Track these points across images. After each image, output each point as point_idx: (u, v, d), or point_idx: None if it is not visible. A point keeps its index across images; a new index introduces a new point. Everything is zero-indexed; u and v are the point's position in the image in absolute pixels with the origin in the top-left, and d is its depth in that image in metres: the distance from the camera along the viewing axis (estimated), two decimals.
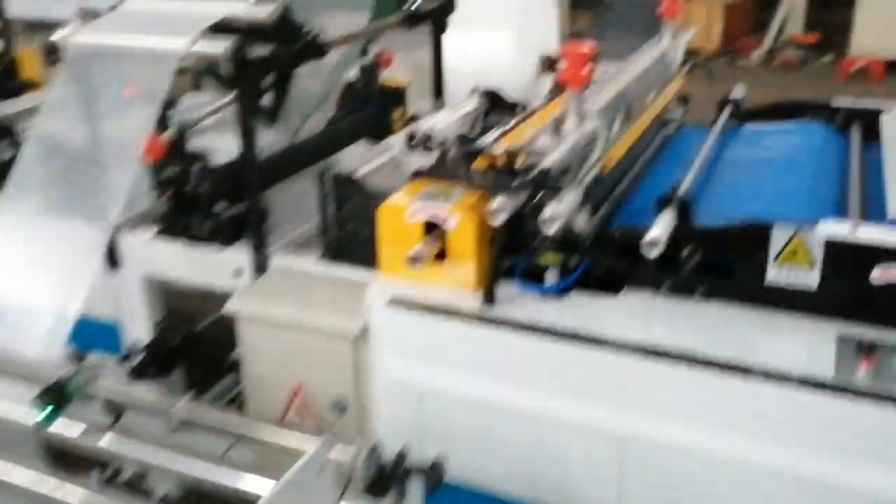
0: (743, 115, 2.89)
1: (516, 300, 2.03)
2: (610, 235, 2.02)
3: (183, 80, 3.65)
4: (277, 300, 2.31)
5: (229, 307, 2.31)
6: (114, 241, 2.63)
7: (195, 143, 2.70)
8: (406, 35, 3.74)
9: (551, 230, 1.83)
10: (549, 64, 4.77)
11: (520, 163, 1.96)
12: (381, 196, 2.26)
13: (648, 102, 2.69)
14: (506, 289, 2.05)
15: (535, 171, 1.88)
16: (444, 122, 2.71)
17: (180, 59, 2.25)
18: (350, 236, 2.38)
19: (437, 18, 3.24)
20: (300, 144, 3.00)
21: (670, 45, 2.94)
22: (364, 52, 3.46)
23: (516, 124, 2.51)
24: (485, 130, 3.13)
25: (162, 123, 2.52)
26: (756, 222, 1.89)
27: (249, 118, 2.31)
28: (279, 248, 2.59)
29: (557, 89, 3.19)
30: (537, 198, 1.90)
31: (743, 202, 2.17)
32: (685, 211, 1.97)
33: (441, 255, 2.05)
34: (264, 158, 2.76)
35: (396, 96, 3.43)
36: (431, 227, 2.04)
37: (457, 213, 2.00)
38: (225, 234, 2.55)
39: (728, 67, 9.70)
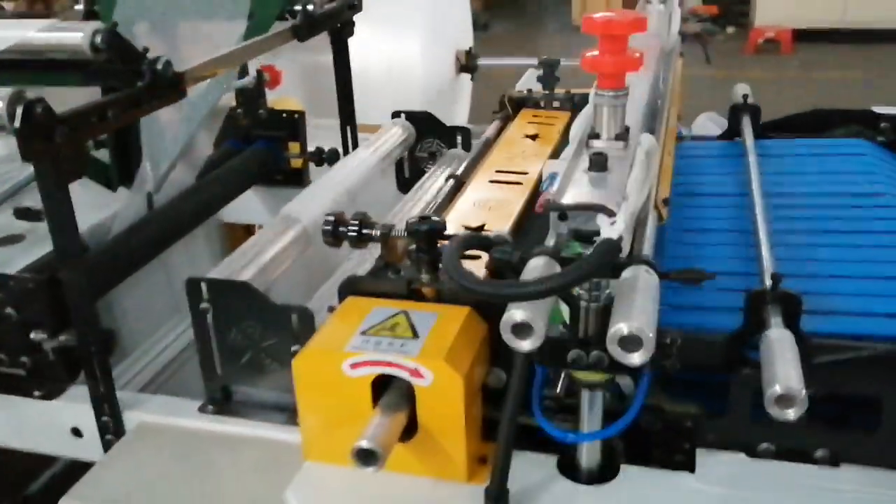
0: (762, 127, 2.18)
1: (541, 492, 1.23)
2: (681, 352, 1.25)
3: None
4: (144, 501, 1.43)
5: None
6: None
7: None
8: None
9: (626, 351, 1.02)
10: (466, 61, 4.03)
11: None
12: (291, 311, 1.43)
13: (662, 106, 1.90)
14: (519, 460, 1.25)
15: (598, 243, 1.07)
16: (364, 159, 1.90)
17: None
18: (247, 373, 1.54)
19: (340, 22, 2.39)
20: (163, 208, 2.11)
21: (662, 12, 2.14)
22: (243, 70, 2.59)
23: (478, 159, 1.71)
24: (420, 171, 2.33)
25: None
26: None
27: (59, 202, 1.41)
28: (139, 393, 1.73)
29: (504, 107, 2.40)
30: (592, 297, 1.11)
31: (841, 287, 1.45)
32: (794, 317, 1.22)
33: (408, 429, 1.23)
34: (104, 246, 1.88)
35: (290, 125, 2.58)
36: (385, 384, 1.23)
37: (430, 363, 1.19)
38: (49, 377, 1.66)
39: None
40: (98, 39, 1.51)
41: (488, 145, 2.11)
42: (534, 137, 2.12)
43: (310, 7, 2.17)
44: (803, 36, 8.73)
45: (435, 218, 1.30)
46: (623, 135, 1.15)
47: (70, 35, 1.52)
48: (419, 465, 1.25)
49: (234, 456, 1.49)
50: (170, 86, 1.61)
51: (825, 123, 2.18)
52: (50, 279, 1.59)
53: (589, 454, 1.26)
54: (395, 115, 2.41)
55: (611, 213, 0.99)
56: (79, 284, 1.53)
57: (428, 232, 1.28)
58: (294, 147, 2.61)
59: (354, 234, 1.40)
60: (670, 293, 1.43)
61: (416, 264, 1.31)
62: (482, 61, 4.01)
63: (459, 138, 2.37)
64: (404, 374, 1.19)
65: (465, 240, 1.16)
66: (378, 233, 1.39)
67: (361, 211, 1.41)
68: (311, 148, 2.61)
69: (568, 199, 1.03)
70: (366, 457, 1.12)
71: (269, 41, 2.02)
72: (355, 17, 2.53)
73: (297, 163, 2.63)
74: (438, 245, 1.31)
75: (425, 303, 1.32)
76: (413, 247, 1.31)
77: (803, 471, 1.25)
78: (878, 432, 1.22)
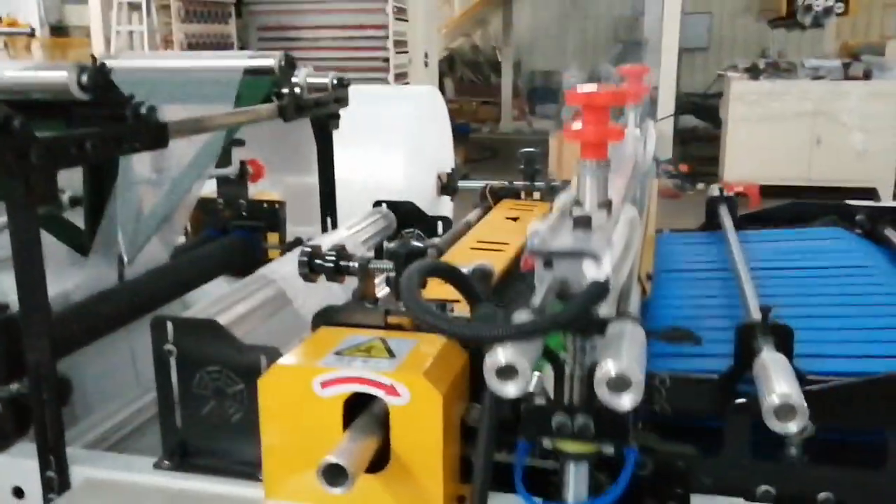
0: (741, 219, 2.20)
1: None
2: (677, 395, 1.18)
3: None
4: None
5: None
6: None
7: None
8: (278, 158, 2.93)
9: (614, 393, 0.96)
10: (447, 183, 4.10)
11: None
12: (261, 353, 1.35)
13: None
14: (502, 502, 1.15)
15: (586, 287, 1.02)
16: (350, 237, 1.87)
17: None
18: (209, 424, 1.44)
19: (326, 113, 2.43)
20: (130, 283, 2.04)
21: (638, 136, 2.21)
22: (226, 160, 2.61)
23: (459, 234, 1.69)
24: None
25: None
26: None
27: (28, 232, 1.36)
28: (89, 449, 1.60)
29: (486, 198, 2.42)
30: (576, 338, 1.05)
31: (837, 340, 1.41)
32: (786, 347, 1.17)
33: (378, 460, 1.14)
34: (70, 306, 1.80)
35: (271, 216, 2.56)
36: (356, 411, 1.14)
37: (407, 379, 1.11)
38: None
39: None
40: (84, 78, 1.51)
41: (469, 226, 2.10)
42: (515, 220, 2.12)
43: (297, 90, 2.21)
44: (770, 191, 9.07)
45: (416, 242, 1.26)
46: (606, 204, 1.15)
47: (55, 74, 1.53)
48: (391, 501, 1.15)
49: None
50: (153, 132, 1.59)
51: (802, 216, 2.20)
52: (6, 320, 1.51)
53: (576, 496, 1.16)
54: (378, 203, 2.41)
55: (597, 257, 0.97)
56: (36, 334, 1.45)
57: (407, 255, 1.24)
58: (273, 237, 2.58)
59: (331, 265, 1.35)
60: (657, 345, 1.38)
61: (393, 291, 1.25)
62: (463, 183, 4.09)
63: (441, 228, 2.36)
64: (380, 393, 1.11)
65: (427, 266, 1.12)
66: (356, 265, 1.34)
67: (340, 243, 1.37)
68: (289, 239, 2.59)
69: (554, 246, 1.01)
70: (333, 475, 1.03)
71: (254, 113, 2.04)
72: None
73: (274, 254, 2.59)
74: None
75: (403, 332, 1.25)
76: (392, 273, 1.26)
77: None
78: (884, 469, 1.14)
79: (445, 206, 4.24)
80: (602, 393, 0.96)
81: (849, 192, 8.94)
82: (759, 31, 12.97)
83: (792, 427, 0.99)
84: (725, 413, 1.18)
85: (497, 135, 13.45)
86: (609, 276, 1.00)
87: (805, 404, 0.99)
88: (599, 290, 0.99)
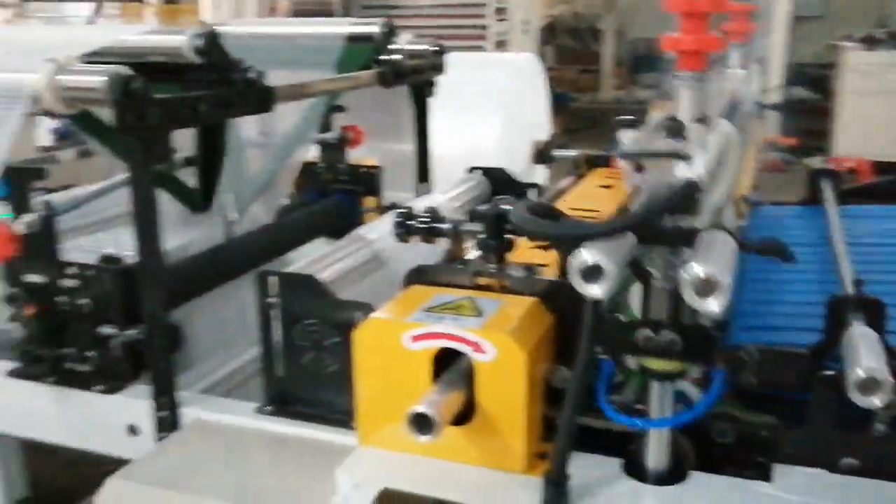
0: (844, 193, 2.14)
1: (604, 488, 1.16)
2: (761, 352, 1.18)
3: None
4: (186, 486, 1.40)
5: (101, 499, 1.39)
6: None
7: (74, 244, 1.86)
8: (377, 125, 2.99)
9: (701, 297, 0.96)
10: (543, 151, 4.09)
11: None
12: (356, 308, 1.42)
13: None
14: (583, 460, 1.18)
15: (677, 181, 1.02)
16: (444, 201, 1.92)
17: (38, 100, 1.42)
18: (307, 374, 1.52)
19: (422, 78, 2.48)
20: (237, 241, 2.15)
21: (742, 76, 2.15)
22: (327, 126, 2.69)
23: (551, 201, 1.71)
24: None
25: (19, 205, 1.67)
26: None
27: (145, 189, 1.46)
28: (198, 393, 1.72)
29: (580, 165, 2.42)
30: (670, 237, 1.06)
31: None
32: (878, 322, 1.15)
33: (464, 415, 1.19)
34: (182, 260, 1.92)
35: (368, 180, 2.64)
36: (444, 365, 1.20)
37: (493, 337, 1.16)
38: (113, 372, 1.67)
39: None
40: (199, 42, 1.60)
41: (561, 193, 2.11)
42: (607, 188, 2.12)
43: (396, 57, 2.26)
44: (884, 168, 8.65)
45: (503, 206, 1.29)
46: (702, 119, 1.14)
47: (171, 38, 1.62)
48: (475, 453, 1.20)
49: (283, 454, 1.46)
50: (260, 96, 1.68)
51: None
52: (125, 270, 1.63)
53: (656, 455, 1.18)
54: (472, 170, 2.45)
55: (687, 157, 0.97)
56: (152, 283, 1.56)
57: (495, 217, 1.28)
58: (370, 201, 2.66)
59: (425, 226, 1.40)
60: (744, 317, 1.38)
61: (482, 251, 1.30)
62: (558, 152, 4.07)
63: (534, 195, 2.38)
64: (466, 349, 1.16)
65: (529, 204, 1.15)
66: (447, 226, 1.38)
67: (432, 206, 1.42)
68: (385, 203, 2.66)
69: (645, 147, 1.02)
70: (421, 423, 1.09)
71: (354, 79, 2.10)
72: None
73: (371, 217, 2.66)
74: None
75: (491, 292, 1.30)
76: (481, 235, 1.30)
77: (891, 489, 1.15)
78: None
79: (540, 175, 4.24)
80: (689, 296, 0.95)
81: None
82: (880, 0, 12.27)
83: (876, 401, 0.99)
84: (812, 386, 1.17)
85: (597, 104, 13.23)
86: (701, 175, 1.00)
87: (891, 379, 0.98)
88: (689, 187, 0.98)
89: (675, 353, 1.09)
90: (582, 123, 11.62)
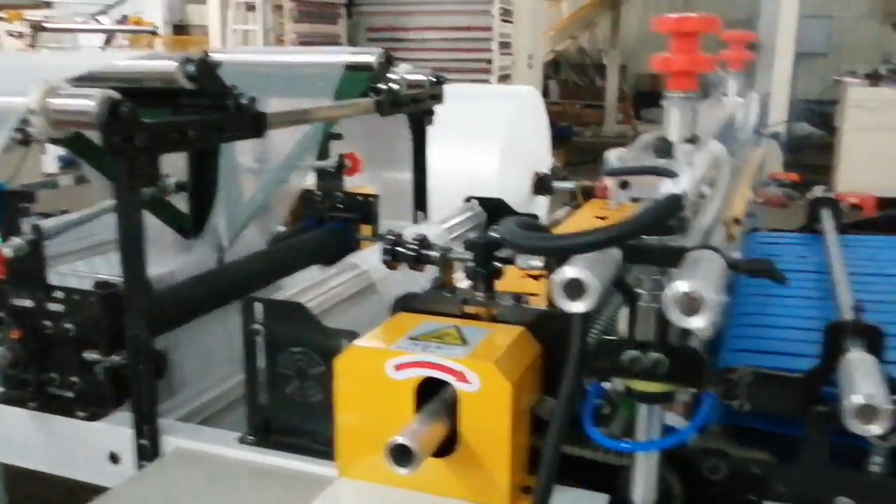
0: (844, 225, 2.11)
1: None
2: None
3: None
4: None
5: None
6: None
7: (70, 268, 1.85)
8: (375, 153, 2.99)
9: (686, 319, 0.94)
10: (543, 183, 4.08)
11: None
12: (343, 336, 1.39)
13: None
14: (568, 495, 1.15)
15: (661, 195, 1.00)
16: (439, 230, 1.90)
17: (27, 122, 1.41)
18: (291, 403, 1.49)
19: (420, 108, 2.48)
20: (229, 267, 2.13)
21: (739, 104, 2.13)
22: (324, 154, 2.68)
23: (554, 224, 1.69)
24: None
25: (8, 228, 1.65)
26: None
27: (131, 212, 1.45)
28: (181, 421, 1.69)
29: (575, 197, 2.41)
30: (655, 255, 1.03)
31: None
32: (877, 349, 1.12)
33: (447, 446, 1.16)
34: (171, 286, 1.90)
35: (365, 208, 2.62)
36: (430, 395, 1.17)
37: (478, 366, 1.13)
38: (96, 398, 1.64)
39: None
40: (190, 68, 1.59)
41: (556, 223, 2.09)
42: (602, 219, 2.10)
43: (394, 87, 2.26)
44: (888, 204, 8.63)
45: (493, 234, 1.27)
46: (693, 139, 1.13)
47: (163, 63, 1.61)
48: (457, 486, 1.17)
49: (264, 485, 1.42)
50: (252, 121, 1.67)
51: None
52: (110, 295, 1.61)
53: (643, 489, 1.15)
54: (469, 199, 2.43)
55: (672, 174, 0.96)
56: (137, 308, 1.53)
57: (485, 246, 1.26)
58: (366, 230, 2.64)
59: (413, 254, 1.38)
60: (737, 341, 1.35)
61: (471, 280, 1.27)
62: (558, 184, 4.07)
63: None
64: (450, 378, 1.14)
65: (521, 220, 1.12)
66: (437, 254, 1.36)
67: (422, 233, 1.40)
68: (382, 232, 2.64)
69: (630, 163, 1.00)
70: (400, 455, 1.06)
71: (351, 107, 2.10)
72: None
73: (367, 245, 2.65)
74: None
75: (479, 321, 1.27)
76: (471, 263, 1.28)
77: None
78: None
79: (541, 206, 4.22)
80: (674, 314, 0.92)
81: None
82: (883, 37, 12.36)
83: (874, 429, 0.96)
84: (807, 415, 1.14)
85: (600, 138, 13.28)
86: (686, 190, 0.98)
87: (891, 407, 0.95)
88: (674, 202, 0.96)
89: (662, 374, 1.06)
90: (584, 157, 11.65)
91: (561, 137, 11.77)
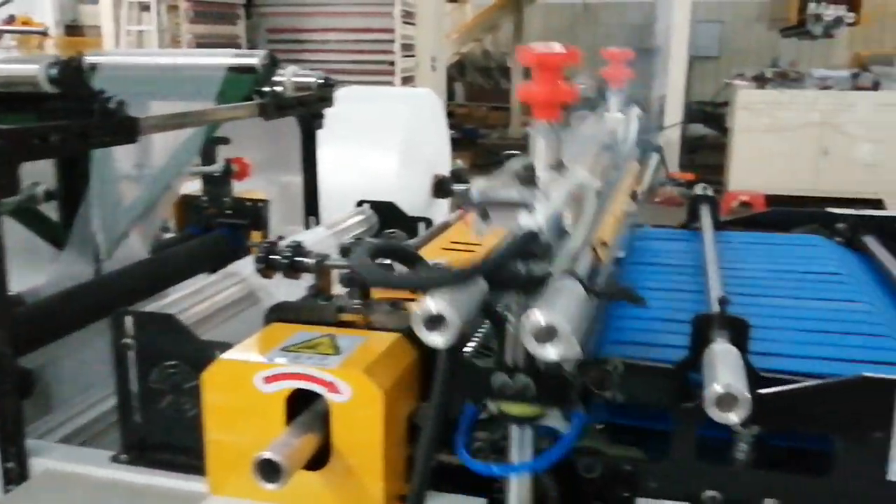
0: (723, 223, 2.19)
1: None
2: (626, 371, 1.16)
3: None
4: None
5: None
6: None
7: None
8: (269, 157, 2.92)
9: (542, 348, 0.95)
10: (443, 185, 4.09)
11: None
12: (217, 348, 1.35)
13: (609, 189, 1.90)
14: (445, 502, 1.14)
15: (516, 234, 1.02)
16: (320, 236, 1.87)
17: None
18: (166, 419, 1.43)
19: (308, 110, 2.43)
20: (107, 278, 2.05)
21: (619, 119, 2.19)
22: (211, 158, 2.61)
23: (434, 235, 1.69)
24: None
25: None
26: (874, 378, 1.10)
27: None
28: (53, 442, 1.61)
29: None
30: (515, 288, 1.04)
31: (796, 341, 1.40)
32: (741, 341, 1.15)
33: (320, 459, 1.13)
34: (42, 299, 1.81)
35: (255, 214, 2.57)
36: (305, 407, 1.14)
37: (348, 375, 1.11)
38: None
39: None
40: (54, 72, 1.51)
41: (447, 227, 2.09)
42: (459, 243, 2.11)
43: (278, 89, 2.22)
44: (776, 201, 9.01)
45: (370, 241, 1.25)
46: (558, 166, 1.13)
47: (25, 67, 1.53)
48: (331, 499, 1.14)
49: None
50: (122, 126, 1.60)
51: (784, 223, 2.18)
52: None
53: (519, 499, 1.15)
54: (360, 203, 2.41)
55: (529, 207, 0.97)
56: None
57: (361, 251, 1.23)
58: (256, 236, 2.58)
59: (287, 262, 1.35)
60: (617, 332, 1.38)
61: (347, 287, 1.25)
62: (458, 186, 4.08)
63: (423, 228, 2.35)
64: (321, 389, 1.11)
65: (376, 245, 1.12)
66: (312, 261, 1.33)
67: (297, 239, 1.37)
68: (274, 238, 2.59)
69: (488, 195, 1.00)
70: (268, 470, 1.03)
71: (232, 110, 2.04)
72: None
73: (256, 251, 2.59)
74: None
75: (355, 329, 1.25)
76: (346, 271, 1.26)
77: None
78: (830, 476, 1.12)
79: (441, 208, 4.23)
80: (529, 342, 0.94)
81: (855, 203, 8.90)
82: (772, 41, 12.91)
83: (733, 417, 0.98)
84: (676, 408, 1.16)
85: (506, 140, 13.44)
86: (542, 226, 0.99)
87: (747, 395, 0.98)
88: (528, 238, 0.98)
89: (531, 397, 1.07)
90: (491, 159, 11.74)
91: (467, 140, 11.86)
